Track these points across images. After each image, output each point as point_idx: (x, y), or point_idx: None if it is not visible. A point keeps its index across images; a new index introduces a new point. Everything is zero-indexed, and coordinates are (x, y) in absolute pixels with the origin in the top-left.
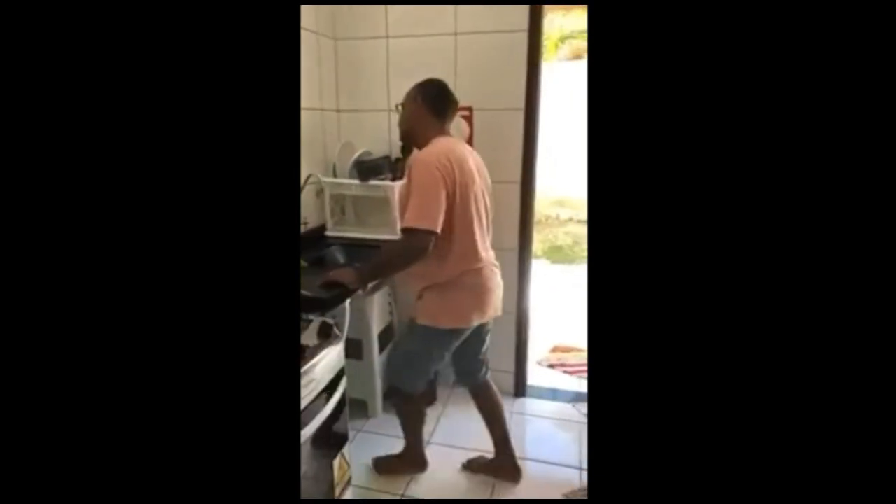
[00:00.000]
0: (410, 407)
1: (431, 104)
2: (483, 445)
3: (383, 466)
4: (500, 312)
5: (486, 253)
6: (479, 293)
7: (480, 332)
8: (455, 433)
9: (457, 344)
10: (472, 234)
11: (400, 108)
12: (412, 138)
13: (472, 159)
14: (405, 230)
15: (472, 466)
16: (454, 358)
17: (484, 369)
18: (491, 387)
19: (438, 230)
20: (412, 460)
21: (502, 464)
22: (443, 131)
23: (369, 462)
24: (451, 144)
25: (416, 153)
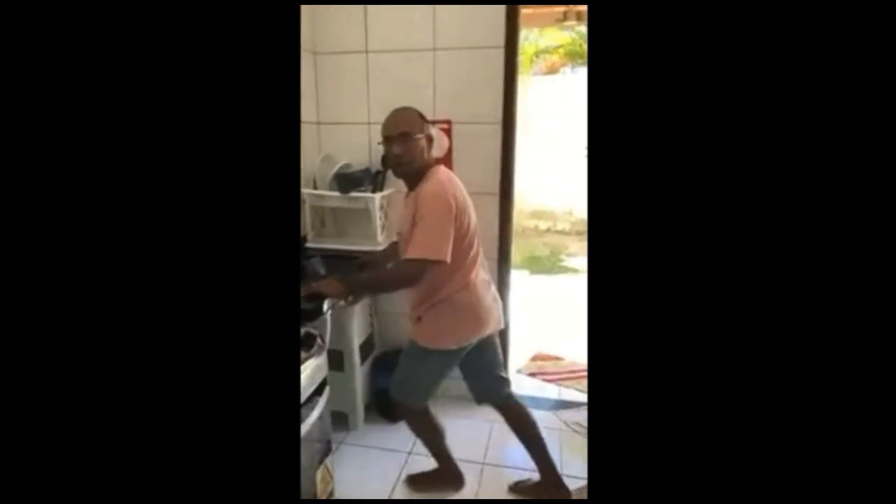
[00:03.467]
0: (422, 422)
1: (432, 136)
2: (472, 455)
3: (419, 484)
4: (502, 325)
5: (478, 270)
6: (475, 310)
7: (486, 347)
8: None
9: (457, 361)
10: (466, 255)
11: (403, 136)
12: (415, 171)
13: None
14: (413, 260)
15: (519, 490)
16: (468, 377)
17: (504, 386)
18: (518, 404)
19: (448, 260)
20: (446, 477)
21: (548, 484)
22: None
23: (404, 479)
24: (449, 173)
25: (423, 187)
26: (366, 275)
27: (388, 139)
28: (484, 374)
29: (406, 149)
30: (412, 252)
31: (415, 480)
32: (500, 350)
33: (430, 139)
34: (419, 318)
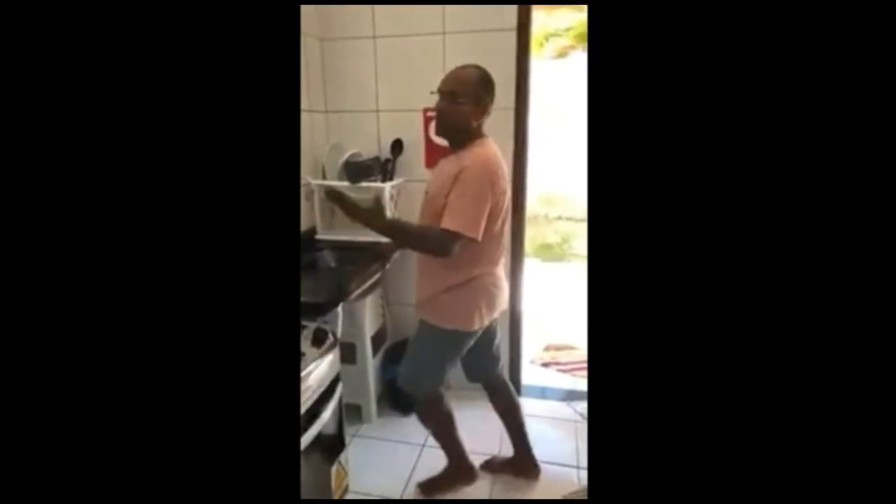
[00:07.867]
0: (435, 410)
1: (489, 103)
2: (486, 448)
3: (431, 489)
4: (505, 306)
5: (502, 256)
6: (493, 294)
7: (489, 328)
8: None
9: (471, 343)
10: (496, 239)
11: (450, 95)
12: (456, 135)
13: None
14: (451, 232)
15: (490, 467)
16: (464, 357)
17: (498, 365)
18: (506, 383)
19: (480, 239)
20: (459, 473)
21: (521, 462)
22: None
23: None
24: (496, 149)
25: (469, 155)
26: (403, 222)
27: (440, 92)
28: (482, 353)
29: (448, 108)
30: (450, 223)
31: (427, 487)
32: (497, 328)
33: (481, 106)
34: (432, 299)
